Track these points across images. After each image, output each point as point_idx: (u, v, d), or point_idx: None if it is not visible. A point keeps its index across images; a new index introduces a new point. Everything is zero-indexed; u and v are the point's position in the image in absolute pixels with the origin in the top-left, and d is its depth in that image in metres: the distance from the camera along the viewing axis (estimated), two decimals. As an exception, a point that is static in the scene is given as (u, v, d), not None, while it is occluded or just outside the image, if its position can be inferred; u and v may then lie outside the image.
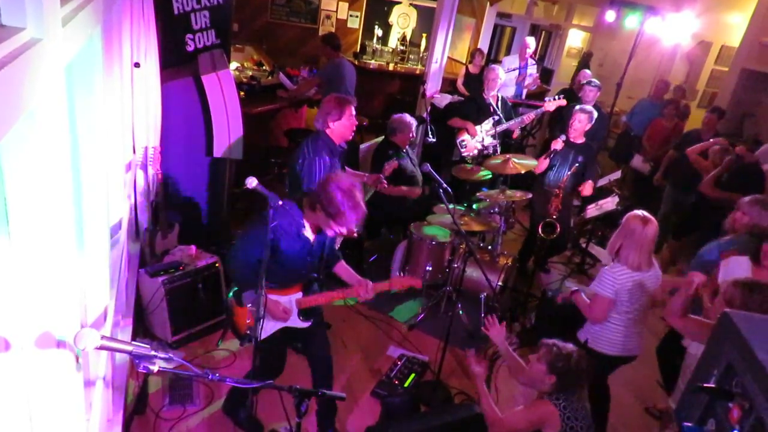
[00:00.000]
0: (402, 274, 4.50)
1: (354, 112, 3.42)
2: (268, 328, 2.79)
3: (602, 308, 3.00)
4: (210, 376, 1.48)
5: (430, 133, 5.52)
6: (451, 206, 3.74)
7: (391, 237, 5.40)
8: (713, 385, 0.88)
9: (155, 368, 1.36)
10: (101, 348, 1.27)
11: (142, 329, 3.72)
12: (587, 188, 4.83)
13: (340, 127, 3.38)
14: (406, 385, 3.60)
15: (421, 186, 4.94)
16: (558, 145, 4.73)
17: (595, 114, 4.79)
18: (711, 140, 5.46)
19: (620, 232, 3.03)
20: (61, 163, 1.23)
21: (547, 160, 4.81)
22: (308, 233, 2.72)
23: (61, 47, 1.19)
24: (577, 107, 4.87)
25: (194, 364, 3.57)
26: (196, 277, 3.71)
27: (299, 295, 2.85)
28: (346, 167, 3.84)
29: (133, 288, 3.65)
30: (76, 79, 1.84)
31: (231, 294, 2.88)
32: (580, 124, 4.71)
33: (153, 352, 1.35)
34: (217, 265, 3.85)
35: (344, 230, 2.57)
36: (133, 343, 1.32)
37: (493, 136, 5.47)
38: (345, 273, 2.97)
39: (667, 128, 7.14)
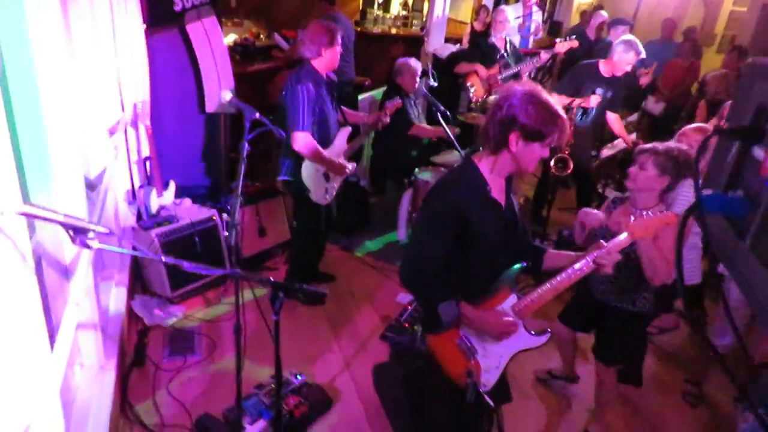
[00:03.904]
0: (410, 222, 4.33)
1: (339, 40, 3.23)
2: (494, 361, 1.96)
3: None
4: (159, 257, 1.33)
5: (432, 77, 5.30)
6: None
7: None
8: (740, 126, 0.69)
9: (94, 245, 1.21)
10: (24, 215, 1.12)
11: (141, 286, 3.61)
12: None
13: (330, 55, 3.18)
14: (416, 327, 3.43)
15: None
16: (594, 102, 4.40)
17: (643, 53, 4.32)
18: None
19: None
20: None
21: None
22: (496, 194, 1.90)
23: None
24: (620, 40, 4.34)
25: (195, 318, 3.48)
26: (192, 230, 3.58)
27: (513, 299, 1.96)
28: (344, 108, 3.66)
29: (128, 244, 3.54)
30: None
31: (419, 327, 2.07)
32: (628, 66, 4.29)
33: (91, 226, 1.19)
34: (213, 218, 3.71)
35: (547, 153, 1.82)
36: (66, 214, 1.17)
37: (504, 79, 5.24)
38: (560, 259, 2.04)
39: (683, 68, 6.79)
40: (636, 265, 2.38)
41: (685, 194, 2.74)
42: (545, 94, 1.79)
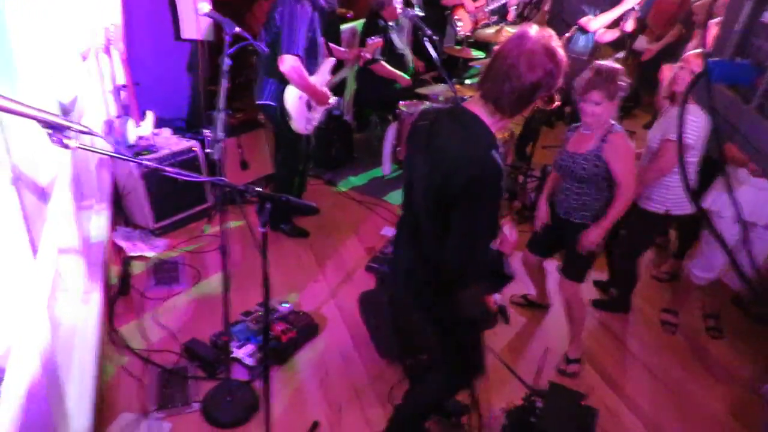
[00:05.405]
0: (394, 156, 4.29)
1: None
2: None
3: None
4: (139, 161, 1.29)
5: (418, 8, 5.13)
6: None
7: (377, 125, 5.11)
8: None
9: (73, 144, 1.16)
10: (-3, 107, 1.06)
11: (123, 218, 3.55)
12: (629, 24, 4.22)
13: None
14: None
15: (411, 65, 4.65)
16: (630, 26, 4.13)
17: None
18: None
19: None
20: None
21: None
22: None
23: None
24: None
25: (179, 250, 3.46)
26: (173, 161, 3.50)
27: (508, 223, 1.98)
28: (329, 44, 3.54)
29: (107, 176, 3.47)
30: None
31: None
32: None
33: (67, 123, 1.14)
34: (194, 149, 3.63)
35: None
36: (41, 109, 1.11)
37: (492, 12, 5.11)
38: None
39: (673, 4, 6.67)
40: (596, 180, 2.49)
41: (672, 121, 2.73)
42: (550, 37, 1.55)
